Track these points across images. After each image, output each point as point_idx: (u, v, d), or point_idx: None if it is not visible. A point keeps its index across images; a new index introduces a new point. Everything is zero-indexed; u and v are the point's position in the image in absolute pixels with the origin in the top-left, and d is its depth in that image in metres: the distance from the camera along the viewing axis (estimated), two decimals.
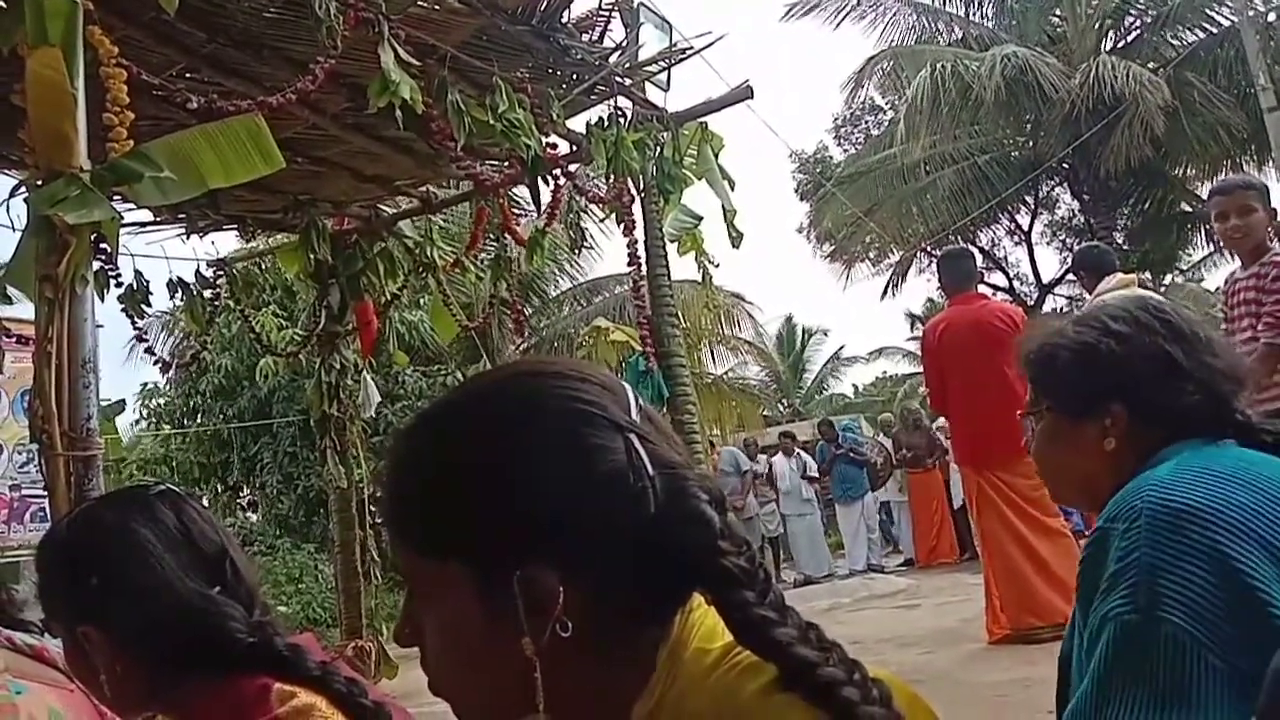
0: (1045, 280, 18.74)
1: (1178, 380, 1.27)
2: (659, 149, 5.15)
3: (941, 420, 9.03)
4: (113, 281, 3.79)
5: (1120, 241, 16.75)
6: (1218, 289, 18.75)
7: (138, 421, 13.81)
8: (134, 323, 4.98)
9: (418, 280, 6.61)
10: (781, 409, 25.81)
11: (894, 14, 18.03)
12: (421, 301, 10.66)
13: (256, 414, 12.49)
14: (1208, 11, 16.32)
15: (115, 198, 2.81)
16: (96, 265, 2.71)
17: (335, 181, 5.51)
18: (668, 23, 5.02)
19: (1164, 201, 17.31)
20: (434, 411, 0.81)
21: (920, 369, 11.13)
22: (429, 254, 6.02)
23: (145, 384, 13.77)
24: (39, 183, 2.51)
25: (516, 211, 6.73)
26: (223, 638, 1.17)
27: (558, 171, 5.06)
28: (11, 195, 2.99)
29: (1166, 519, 1.07)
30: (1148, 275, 16.33)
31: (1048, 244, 19.42)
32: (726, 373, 18.86)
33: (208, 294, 5.60)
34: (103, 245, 2.67)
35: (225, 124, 3.25)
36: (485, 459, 0.73)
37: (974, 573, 6.91)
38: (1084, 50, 16.15)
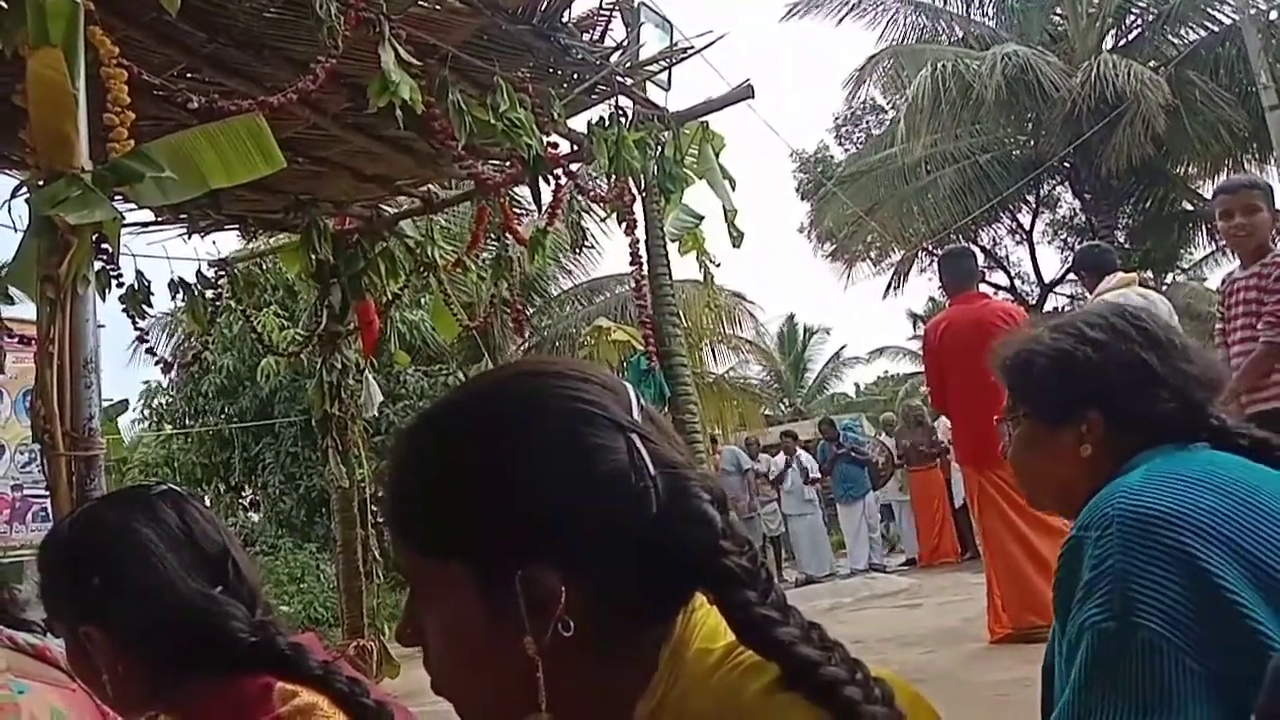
0: (1047, 279, 18.72)
1: (1153, 387, 1.28)
2: (660, 148, 5.16)
3: (944, 419, 9.02)
4: (114, 282, 3.78)
5: (1122, 240, 16.74)
6: (1219, 287, 18.79)
7: (140, 421, 13.83)
8: (135, 323, 4.99)
9: (419, 280, 6.61)
10: (783, 408, 25.81)
11: (895, 13, 18.04)
12: (423, 301, 10.66)
13: (258, 414, 12.50)
14: (1209, 10, 16.30)
15: (116, 198, 2.81)
16: (98, 265, 2.71)
17: (336, 181, 5.51)
18: (668, 22, 5.02)
19: (1165, 200, 17.30)
20: (435, 412, 0.81)
21: (921, 368, 11.15)
22: (430, 253, 6.02)
23: (147, 382, 13.80)
24: (40, 183, 2.51)
25: (518, 211, 6.73)
26: (225, 637, 1.17)
27: (559, 171, 5.06)
28: (13, 196, 2.99)
29: (1137, 525, 1.08)
30: (1149, 274, 16.33)
31: (1049, 243, 19.43)
32: (728, 372, 18.86)
33: (209, 294, 5.61)
34: (104, 245, 2.67)
35: (226, 124, 3.25)
36: (487, 459, 0.73)
37: (975, 572, 6.91)
38: (1085, 49, 16.14)
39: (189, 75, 4.10)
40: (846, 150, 21.15)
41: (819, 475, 11.55)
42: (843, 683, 0.66)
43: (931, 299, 21.97)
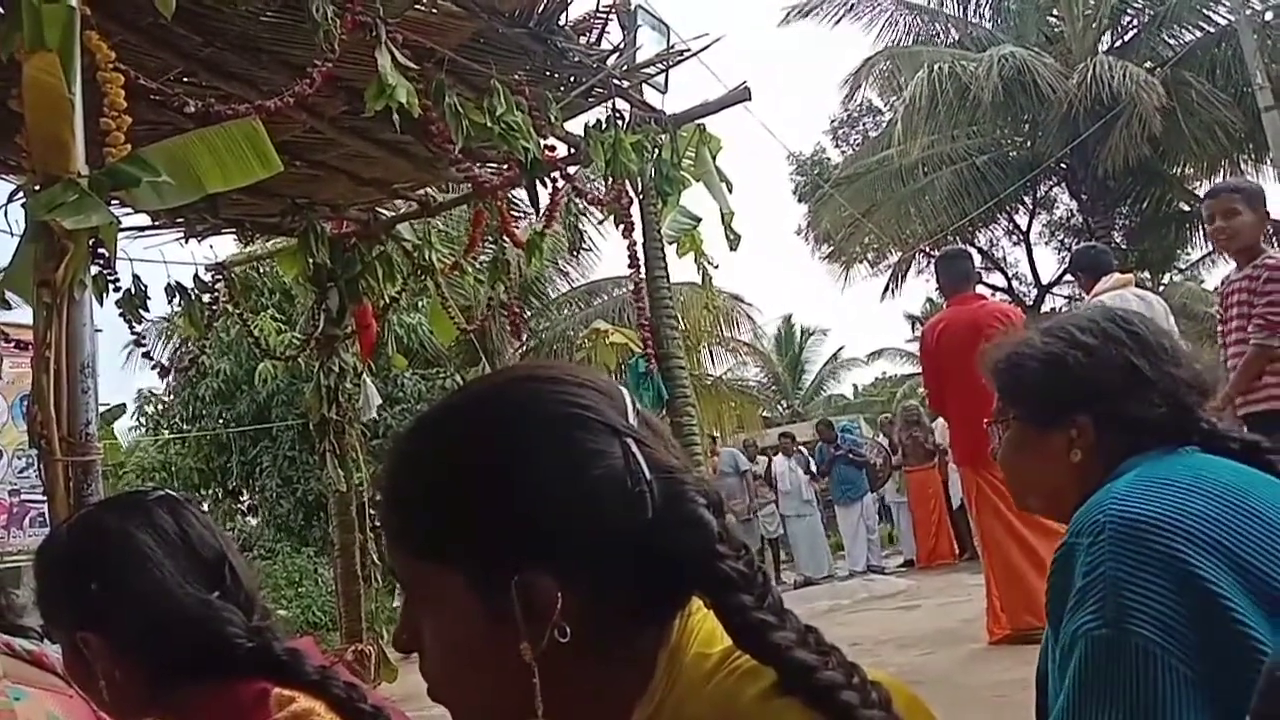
0: (1044, 280, 18.76)
1: (1143, 392, 1.28)
2: (657, 151, 5.16)
3: (941, 420, 9.03)
4: (111, 286, 3.78)
5: (1119, 241, 16.77)
6: (1216, 288, 18.82)
7: (137, 426, 13.82)
8: (132, 327, 4.98)
9: (416, 283, 6.60)
10: (781, 410, 25.83)
11: (891, 15, 18.06)
12: (420, 304, 10.66)
13: (255, 418, 12.49)
14: (1205, 11, 16.35)
15: (113, 202, 2.81)
16: (95, 270, 2.71)
17: (333, 185, 5.51)
18: (665, 25, 5.02)
19: (1162, 201, 17.33)
20: (431, 417, 0.81)
21: (919, 369, 11.15)
22: (427, 257, 6.02)
23: (140, 390, 13.79)
24: (36, 188, 2.50)
25: (515, 214, 6.73)
26: (221, 643, 1.16)
27: (556, 174, 5.06)
28: (9, 200, 2.99)
29: (1128, 531, 1.08)
30: (1146, 275, 16.37)
31: (1046, 244, 19.46)
32: (726, 373, 18.87)
33: (206, 298, 5.59)
34: (101, 250, 2.67)
35: (223, 128, 3.24)
36: (483, 463, 0.73)
37: (973, 573, 6.92)
38: (1082, 50, 16.17)
39: (185, 79, 4.09)
40: (843, 152, 21.18)
41: (814, 472, 11.56)
42: (840, 687, 0.66)
43: (929, 300, 22.00)
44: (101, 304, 3.47)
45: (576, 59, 4.62)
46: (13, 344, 5.19)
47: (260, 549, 12.12)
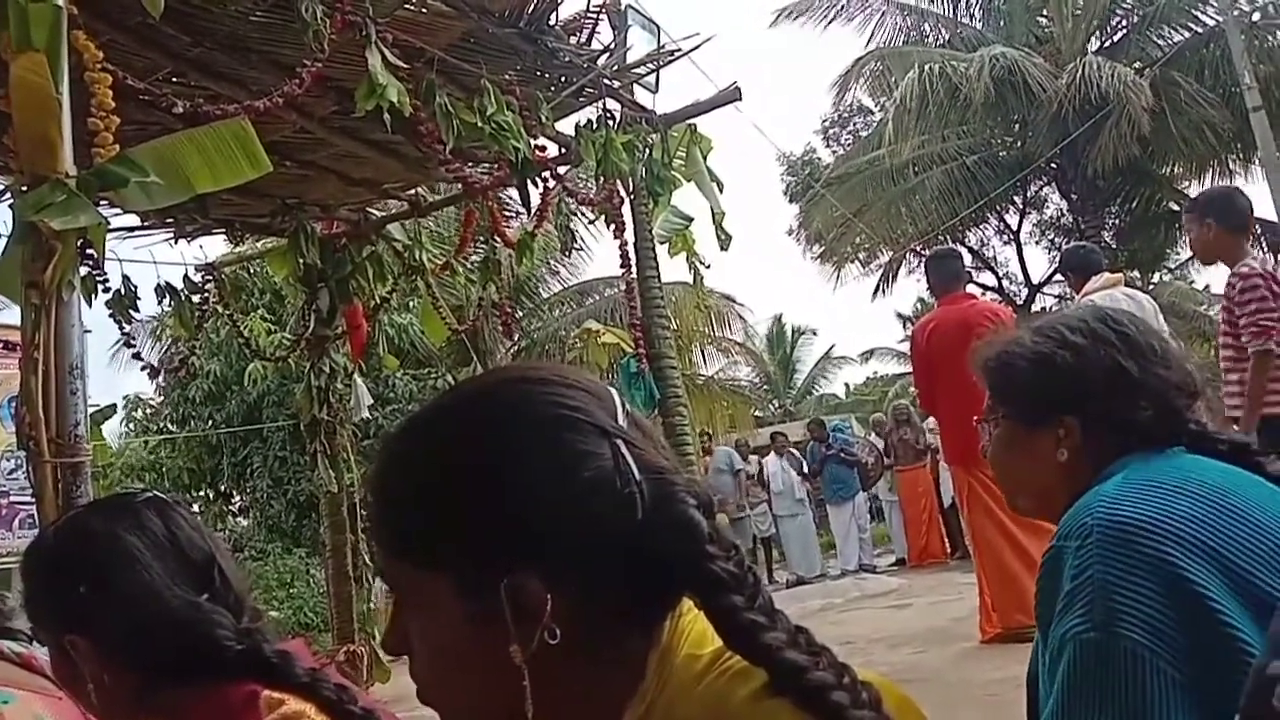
0: (1034, 280, 18.82)
1: (1130, 393, 1.29)
2: (648, 151, 5.15)
3: (932, 420, 9.05)
4: (100, 287, 3.76)
5: (1108, 240, 16.83)
6: (1206, 286, 18.90)
7: (127, 433, 13.76)
8: (122, 328, 4.95)
9: (407, 283, 6.58)
10: (773, 409, 25.86)
11: (882, 16, 18.09)
12: (411, 305, 10.63)
13: (246, 419, 12.45)
14: (1193, 11, 16.42)
15: (102, 203, 2.79)
16: (83, 271, 2.69)
17: (323, 185, 5.49)
18: (655, 25, 5.02)
19: (1151, 200, 17.40)
20: (420, 418, 0.81)
21: (910, 368, 11.18)
22: (418, 257, 6.00)
23: (126, 396, 13.74)
24: (24, 188, 2.49)
25: (506, 214, 6.72)
26: (210, 645, 1.16)
27: (547, 174, 5.05)
28: None
29: (1116, 534, 1.08)
30: (1136, 274, 16.43)
31: (1036, 243, 19.52)
32: (717, 373, 18.88)
33: (196, 299, 5.57)
34: (89, 251, 2.65)
35: (212, 128, 3.23)
36: (472, 465, 0.73)
37: (965, 571, 6.93)
38: (1071, 50, 16.23)
39: (174, 79, 4.07)
40: (834, 152, 21.21)
41: (805, 473, 11.58)
42: (830, 687, 0.66)
43: (920, 300, 22.04)
44: (90, 305, 3.46)
45: (567, 59, 4.62)
46: (1, 345, 5.17)
47: (251, 550, 12.08)
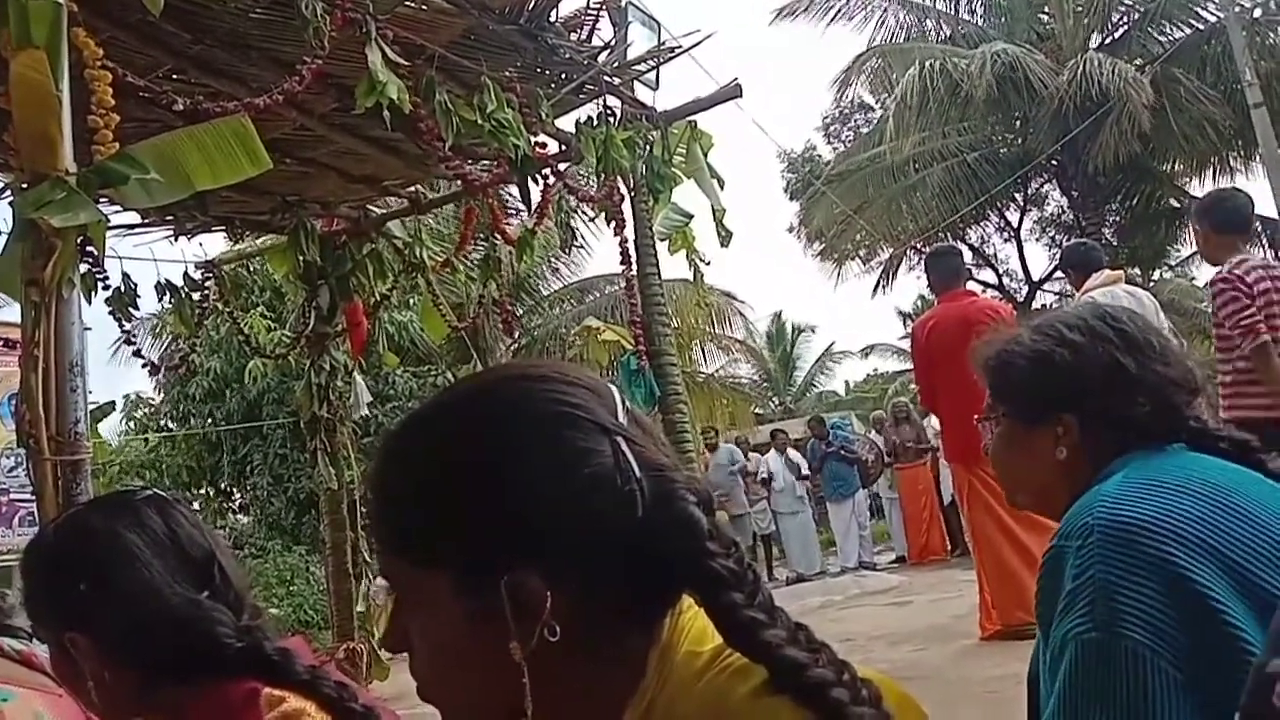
0: (1035, 277, 18.81)
1: (1128, 390, 1.28)
2: (648, 148, 5.15)
3: (933, 418, 9.05)
4: (100, 284, 3.76)
5: (1109, 237, 16.82)
6: (1206, 284, 18.88)
7: (126, 431, 13.76)
8: (122, 325, 4.95)
9: (407, 281, 6.58)
10: (773, 406, 25.85)
11: (883, 13, 18.08)
12: (411, 302, 10.62)
13: (246, 416, 12.45)
14: (1194, 8, 16.41)
15: (102, 200, 2.80)
16: (83, 268, 2.68)
17: (323, 182, 5.49)
18: (656, 21, 5.01)
19: (1152, 197, 17.39)
20: (420, 416, 0.81)
21: (910, 365, 11.18)
22: (418, 254, 6.00)
23: (127, 395, 13.74)
24: (24, 186, 2.49)
25: (507, 211, 6.71)
26: (210, 643, 1.16)
27: (547, 171, 5.05)
28: None
29: (1118, 534, 1.08)
30: (1136, 271, 16.42)
31: (1037, 240, 19.52)
32: (718, 371, 18.87)
33: (196, 296, 5.57)
34: (89, 248, 2.65)
35: (212, 125, 3.23)
36: (472, 462, 0.73)
37: (965, 569, 6.93)
38: (1072, 47, 16.21)
39: (174, 76, 4.07)
40: (835, 149, 21.20)
41: (808, 474, 11.57)
42: (830, 684, 0.66)
43: (921, 297, 22.04)
44: (90, 302, 3.45)
45: (567, 56, 4.61)
46: (1, 342, 5.16)
47: (252, 547, 12.07)
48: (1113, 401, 1.28)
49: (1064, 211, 18.67)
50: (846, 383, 31.36)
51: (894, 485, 11.48)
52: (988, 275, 18.95)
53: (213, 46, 3.96)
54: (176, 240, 5.62)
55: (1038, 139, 16.34)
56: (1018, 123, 17.36)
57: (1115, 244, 16.71)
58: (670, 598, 0.75)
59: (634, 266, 5.28)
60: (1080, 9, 16.75)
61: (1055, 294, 18.32)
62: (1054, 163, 16.91)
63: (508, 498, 0.71)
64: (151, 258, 5.42)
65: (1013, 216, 18.89)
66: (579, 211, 8.24)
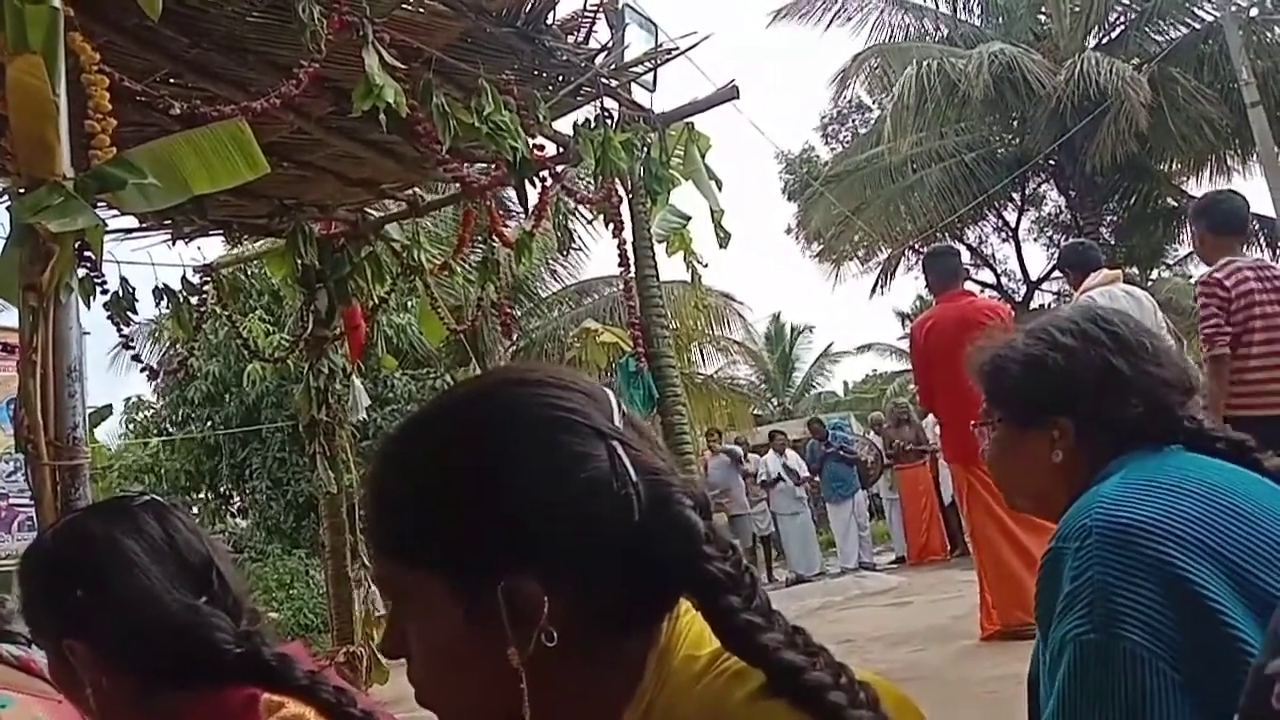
0: (1033, 277, 18.82)
1: (1122, 392, 1.28)
2: (646, 149, 5.15)
3: (931, 418, 9.04)
4: (98, 289, 3.76)
5: (1107, 237, 16.84)
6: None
7: (126, 434, 13.75)
8: (120, 330, 4.95)
9: (405, 283, 6.58)
10: (772, 408, 25.85)
11: (880, 13, 18.09)
12: (409, 305, 10.63)
13: (245, 420, 12.44)
14: (1191, 7, 16.43)
15: (99, 205, 2.79)
16: (81, 273, 2.69)
17: (321, 185, 5.49)
18: (653, 23, 5.02)
19: (1150, 196, 17.41)
20: (417, 420, 0.81)
21: (909, 366, 11.18)
22: (416, 257, 6.00)
23: (129, 398, 13.73)
24: (21, 191, 2.49)
25: (505, 213, 6.72)
26: (209, 649, 1.16)
27: (545, 173, 5.05)
28: None
29: (1115, 536, 1.08)
30: (1134, 270, 16.43)
31: (1035, 240, 19.54)
32: (716, 372, 18.87)
33: (194, 300, 5.57)
34: (87, 253, 2.65)
35: (209, 129, 3.22)
36: (469, 466, 0.73)
37: (965, 569, 6.94)
38: (1070, 47, 16.22)
39: (171, 81, 4.07)
40: (833, 150, 21.21)
41: (808, 475, 11.57)
42: (827, 688, 0.66)
43: (919, 297, 22.04)
44: (89, 307, 3.45)
45: (564, 58, 4.62)
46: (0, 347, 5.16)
47: (251, 551, 12.07)
48: (1106, 404, 1.29)
49: (1061, 211, 18.68)
50: (845, 383, 31.38)
51: (894, 486, 11.48)
52: (986, 275, 18.97)
53: (209, 50, 3.96)
54: (174, 244, 5.62)
55: (1035, 139, 16.35)
56: (1015, 122, 17.37)
57: (1113, 243, 16.72)
58: (667, 601, 0.75)
59: (632, 268, 5.28)
60: (1077, 8, 16.77)
61: (1053, 294, 18.34)
62: (1051, 162, 16.92)
63: (504, 502, 0.71)
64: (150, 262, 5.42)
65: (1010, 216, 18.90)
66: (577, 213, 8.25)
